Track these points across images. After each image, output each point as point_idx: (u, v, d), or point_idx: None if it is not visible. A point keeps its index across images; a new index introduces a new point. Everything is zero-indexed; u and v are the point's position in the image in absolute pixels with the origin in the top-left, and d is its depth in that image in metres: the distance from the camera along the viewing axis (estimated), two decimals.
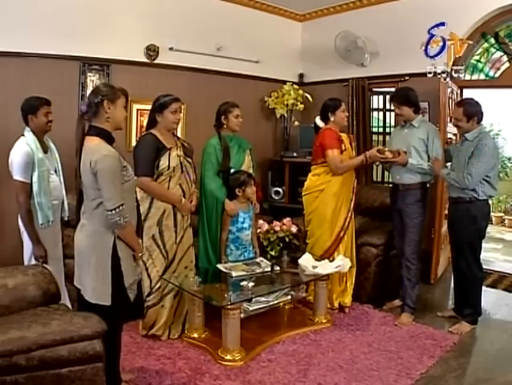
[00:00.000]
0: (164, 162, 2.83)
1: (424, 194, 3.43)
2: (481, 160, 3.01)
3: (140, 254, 2.25)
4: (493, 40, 4.33)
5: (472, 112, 3.11)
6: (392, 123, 4.95)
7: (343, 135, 3.57)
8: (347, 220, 3.45)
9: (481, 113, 3.15)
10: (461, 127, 3.21)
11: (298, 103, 5.17)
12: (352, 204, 3.51)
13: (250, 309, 3.10)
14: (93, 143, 2.09)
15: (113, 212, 2.02)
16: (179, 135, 3.56)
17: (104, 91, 2.13)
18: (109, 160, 2.03)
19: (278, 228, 3.41)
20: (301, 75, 5.61)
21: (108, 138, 2.14)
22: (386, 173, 4.70)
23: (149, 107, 3.00)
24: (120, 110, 2.16)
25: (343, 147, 3.44)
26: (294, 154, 5.10)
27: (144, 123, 3.21)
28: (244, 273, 3.05)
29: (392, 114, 4.97)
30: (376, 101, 5.16)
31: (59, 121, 3.01)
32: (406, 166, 3.33)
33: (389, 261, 3.80)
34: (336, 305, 3.50)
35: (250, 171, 3.43)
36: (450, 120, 4.26)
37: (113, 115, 2.13)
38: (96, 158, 2.01)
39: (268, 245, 3.43)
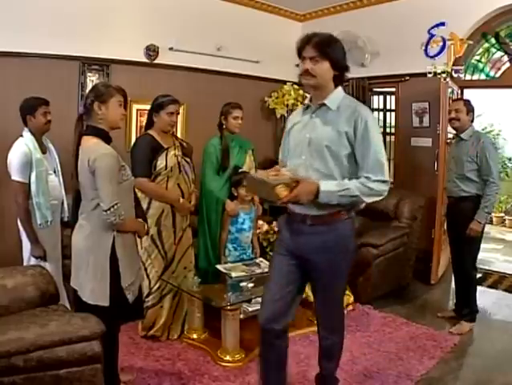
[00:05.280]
0: (161, 162, 2.82)
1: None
2: (493, 160, 3.07)
3: (145, 232, 2.37)
4: (493, 40, 4.32)
5: (470, 107, 3.24)
6: (393, 123, 4.94)
7: None
8: None
9: (474, 114, 3.27)
10: (459, 120, 3.21)
11: (299, 103, 5.15)
12: None
13: (250, 310, 3.10)
14: (91, 142, 2.08)
15: (108, 211, 2.01)
16: (178, 135, 3.55)
17: (95, 92, 2.12)
18: (107, 158, 2.03)
19: (277, 229, 3.41)
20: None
21: (106, 137, 2.13)
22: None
23: (149, 107, 2.99)
24: (114, 110, 2.13)
25: None
26: None
27: (144, 124, 3.20)
28: (243, 273, 3.04)
29: (393, 114, 4.96)
30: (377, 101, 5.16)
31: (59, 121, 3.00)
32: (317, 199, 1.86)
33: (389, 262, 3.79)
34: None
35: (252, 172, 3.42)
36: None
37: (105, 116, 2.11)
38: (95, 156, 2.00)
39: (268, 245, 3.43)
